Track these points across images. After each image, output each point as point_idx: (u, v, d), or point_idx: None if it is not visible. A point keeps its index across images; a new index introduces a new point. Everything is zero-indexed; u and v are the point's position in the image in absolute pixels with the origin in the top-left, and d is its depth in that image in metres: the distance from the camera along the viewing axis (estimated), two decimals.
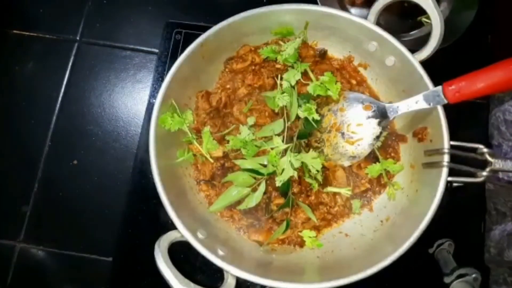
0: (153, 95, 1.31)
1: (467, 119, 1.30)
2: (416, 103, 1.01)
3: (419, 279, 1.23)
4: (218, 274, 1.17)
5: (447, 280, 1.12)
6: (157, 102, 1.04)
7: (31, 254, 1.27)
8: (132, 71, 1.40)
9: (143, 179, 1.27)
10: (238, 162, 1.12)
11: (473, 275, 1.09)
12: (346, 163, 1.15)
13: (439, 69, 1.00)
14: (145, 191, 1.26)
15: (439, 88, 0.96)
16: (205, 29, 1.08)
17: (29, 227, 1.29)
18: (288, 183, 1.10)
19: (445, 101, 0.95)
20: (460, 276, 1.10)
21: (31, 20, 1.43)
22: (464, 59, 1.21)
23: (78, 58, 1.40)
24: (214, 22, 1.09)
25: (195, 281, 0.97)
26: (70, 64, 1.39)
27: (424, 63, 1.05)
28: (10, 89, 1.37)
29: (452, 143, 0.99)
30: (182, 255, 1.17)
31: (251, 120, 1.15)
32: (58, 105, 1.36)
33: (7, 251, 1.27)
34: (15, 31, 1.42)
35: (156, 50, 1.39)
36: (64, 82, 1.38)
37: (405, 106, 1.04)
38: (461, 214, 1.25)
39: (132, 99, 1.38)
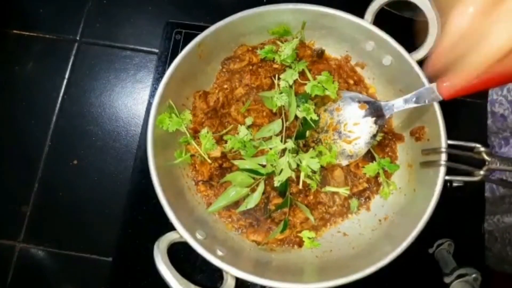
0: (153, 95, 1.30)
1: (465, 118, 1.29)
2: (411, 100, 1.01)
3: (419, 279, 1.22)
4: (218, 274, 1.18)
5: (447, 280, 1.11)
6: (155, 102, 1.04)
7: (31, 254, 1.27)
8: (132, 71, 1.40)
9: (143, 179, 1.27)
10: (237, 162, 1.12)
11: (473, 275, 1.09)
12: (344, 162, 1.15)
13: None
14: (145, 191, 1.26)
15: (434, 85, 0.96)
16: (205, 29, 1.08)
17: (29, 227, 1.29)
18: (287, 183, 1.10)
19: (440, 98, 0.95)
20: (460, 276, 1.09)
21: (31, 20, 1.43)
22: None
23: (78, 58, 1.40)
24: (214, 22, 1.09)
25: (194, 282, 0.98)
26: (70, 64, 1.39)
27: (421, 63, 1.05)
28: (10, 89, 1.38)
29: (450, 142, 0.99)
30: (182, 255, 1.17)
31: (249, 120, 1.15)
32: (58, 105, 1.36)
33: (7, 251, 1.27)
34: (15, 31, 1.42)
35: (156, 50, 1.39)
36: (64, 82, 1.38)
37: (401, 104, 1.04)
38: (461, 214, 1.25)
39: (132, 99, 1.38)
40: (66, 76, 1.38)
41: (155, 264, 0.96)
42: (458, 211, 1.23)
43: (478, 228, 1.25)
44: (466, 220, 1.26)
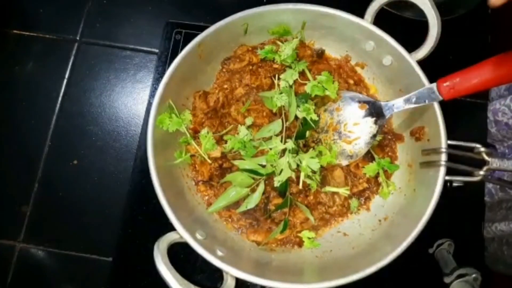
0: (153, 95, 1.30)
1: (465, 118, 1.29)
2: (411, 100, 1.01)
3: (419, 279, 1.23)
4: (218, 274, 1.17)
5: (447, 280, 1.11)
6: (155, 102, 1.04)
7: (31, 254, 1.27)
8: (132, 71, 1.40)
9: (143, 179, 1.27)
10: (237, 162, 1.12)
11: (473, 275, 1.09)
12: (344, 162, 1.15)
13: (437, 68, 1.00)
14: (145, 191, 1.26)
15: (434, 85, 0.96)
16: (205, 29, 1.08)
17: (29, 227, 1.29)
18: (287, 183, 1.10)
19: (440, 98, 0.95)
20: (460, 276, 1.09)
21: (31, 20, 1.43)
22: (462, 58, 1.21)
23: (78, 58, 1.40)
24: (214, 22, 1.09)
25: (194, 282, 0.98)
26: (70, 64, 1.39)
27: (421, 62, 1.05)
28: (10, 89, 1.37)
29: (450, 142, 0.99)
30: (182, 256, 1.17)
31: (249, 120, 1.15)
32: (58, 105, 1.36)
33: (7, 251, 1.27)
34: (15, 31, 1.42)
35: (156, 50, 1.39)
36: (64, 82, 1.38)
37: (401, 104, 1.04)
38: (461, 214, 1.24)
39: (132, 99, 1.38)
40: (66, 76, 1.38)
41: (155, 264, 0.96)
42: (458, 211, 1.23)
43: (478, 228, 1.25)
44: (466, 220, 1.26)
